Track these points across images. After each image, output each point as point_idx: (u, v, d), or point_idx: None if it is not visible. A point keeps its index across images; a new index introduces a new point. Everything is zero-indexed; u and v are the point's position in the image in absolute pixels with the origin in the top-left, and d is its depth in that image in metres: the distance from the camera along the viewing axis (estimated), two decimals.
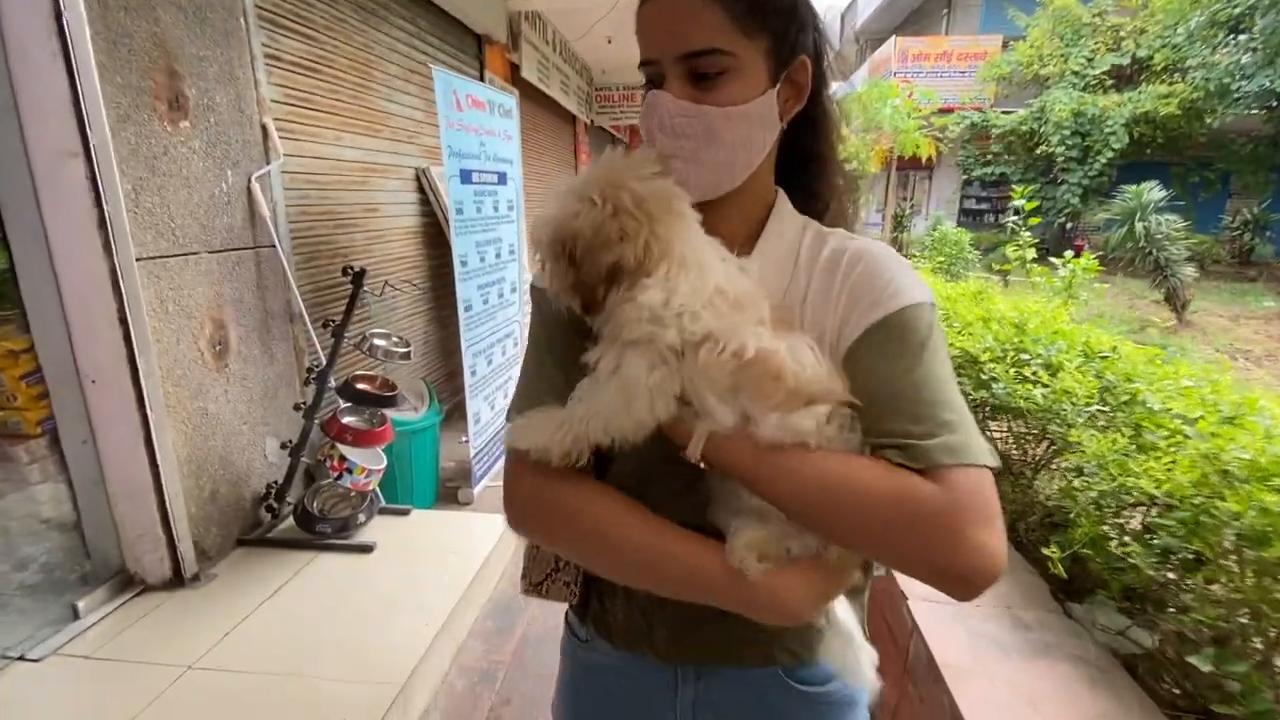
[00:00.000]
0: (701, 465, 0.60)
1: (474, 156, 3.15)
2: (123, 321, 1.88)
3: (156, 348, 1.99)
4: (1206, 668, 1.09)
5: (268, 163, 2.47)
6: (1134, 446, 1.50)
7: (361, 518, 2.55)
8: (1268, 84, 10.11)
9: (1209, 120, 11.81)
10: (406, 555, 2.45)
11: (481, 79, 4.80)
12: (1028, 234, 4.52)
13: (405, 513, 2.75)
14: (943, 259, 7.70)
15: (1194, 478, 1.22)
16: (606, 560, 0.66)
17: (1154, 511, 1.44)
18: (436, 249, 4.01)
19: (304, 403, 2.50)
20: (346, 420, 2.46)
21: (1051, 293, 4.05)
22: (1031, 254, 4.50)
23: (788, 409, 0.56)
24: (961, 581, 0.53)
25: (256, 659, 1.85)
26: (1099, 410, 1.74)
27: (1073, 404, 1.75)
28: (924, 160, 12.24)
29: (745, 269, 0.63)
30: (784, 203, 0.73)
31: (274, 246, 2.45)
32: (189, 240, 2.13)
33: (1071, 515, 1.57)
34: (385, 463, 2.60)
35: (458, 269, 3.03)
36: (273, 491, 2.49)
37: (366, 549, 2.44)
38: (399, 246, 3.65)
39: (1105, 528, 1.52)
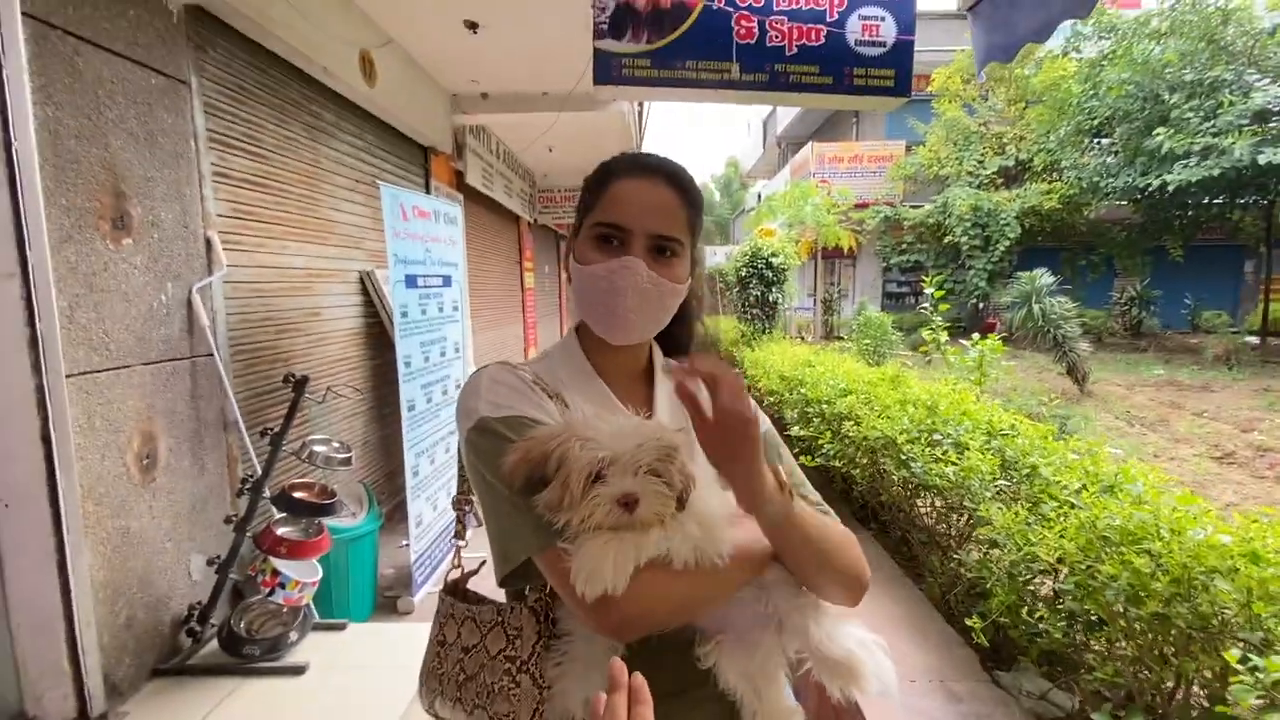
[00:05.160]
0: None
1: (419, 262, 3.26)
2: (45, 440, 1.81)
3: (79, 465, 1.92)
4: None
5: (210, 274, 2.51)
6: (1033, 517, 1.65)
7: (293, 636, 2.41)
8: (1130, 181, 11.65)
9: (1086, 212, 13.49)
10: (341, 674, 2.31)
11: (427, 186, 5.03)
12: (939, 319, 4.93)
13: (341, 627, 2.61)
14: (869, 341, 8.19)
15: (1080, 543, 1.35)
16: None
17: (1061, 578, 1.57)
18: (378, 350, 4.04)
19: (235, 515, 2.41)
20: (281, 531, 2.37)
21: (965, 371, 4.39)
22: (944, 336, 4.89)
23: None
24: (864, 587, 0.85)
25: None
26: (1003, 485, 1.91)
27: (980, 480, 1.92)
28: (845, 250, 13.32)
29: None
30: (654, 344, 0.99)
31: (211, 355, 2.44)
32: (123, 353, 2.12)
33: (989, 585, 1.69)
34: (320, 574, 2.50)
35: (401, 370, 3.07)
36: (195, 613, 2.34)
37: (298, 670, 2.29)
38: (340, 349, 3.66)
39: (1019, 596, 1.64)
